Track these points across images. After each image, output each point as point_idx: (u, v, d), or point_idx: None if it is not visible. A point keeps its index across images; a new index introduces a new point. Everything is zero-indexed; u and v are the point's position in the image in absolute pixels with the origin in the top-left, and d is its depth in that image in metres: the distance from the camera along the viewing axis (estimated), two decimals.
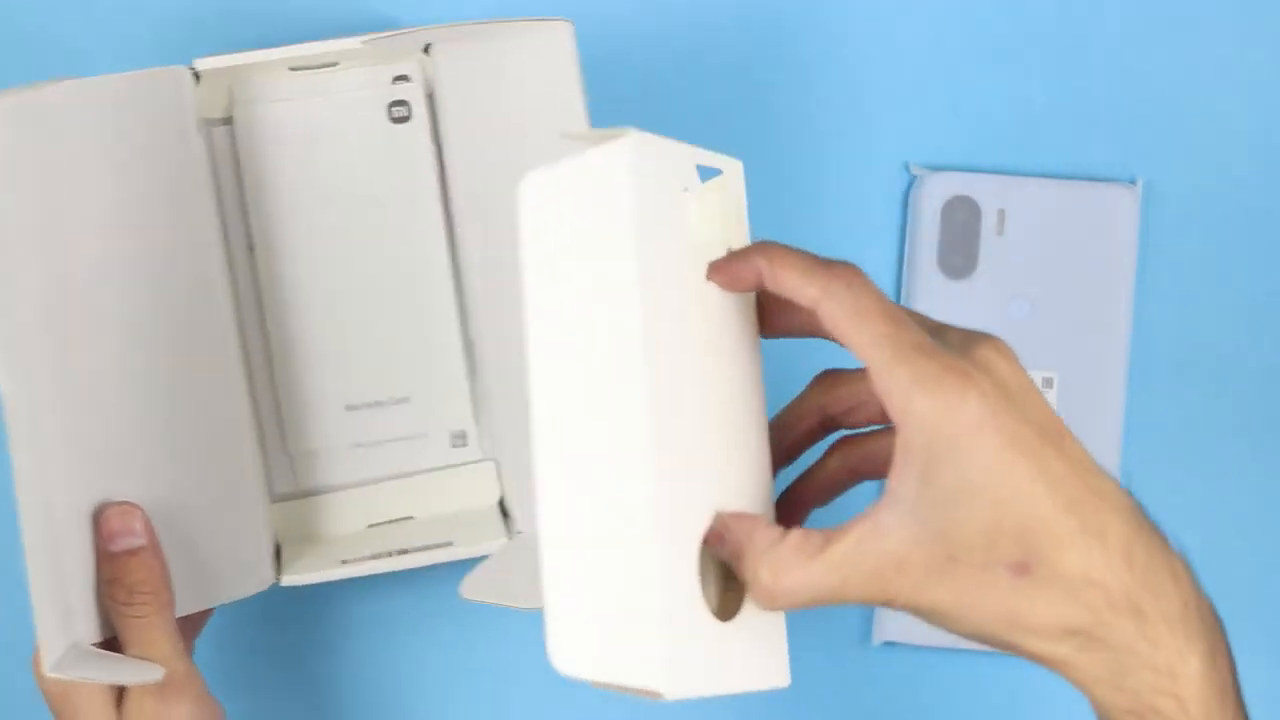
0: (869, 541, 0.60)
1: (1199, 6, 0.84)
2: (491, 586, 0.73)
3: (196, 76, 0.76)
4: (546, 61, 0.74)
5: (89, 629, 0.70)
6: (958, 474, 0.59)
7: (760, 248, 0.63)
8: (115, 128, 0.73)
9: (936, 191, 0.84)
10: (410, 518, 0.81)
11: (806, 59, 0.83)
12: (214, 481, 0.75)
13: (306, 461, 0.80)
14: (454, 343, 0.81)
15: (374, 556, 0.77)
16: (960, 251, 0.83)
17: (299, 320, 0.80)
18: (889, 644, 0.83)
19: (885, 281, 0.84)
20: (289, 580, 0.76)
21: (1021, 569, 0.59)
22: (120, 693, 0.70)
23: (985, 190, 0.84)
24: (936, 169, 0.84)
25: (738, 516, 0.62)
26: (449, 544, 0.78)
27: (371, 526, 0.81)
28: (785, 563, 0.60)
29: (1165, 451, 0.83)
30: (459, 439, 0.81)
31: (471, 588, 0.74)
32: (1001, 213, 0.83)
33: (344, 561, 0.77)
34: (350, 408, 0.80)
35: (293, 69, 0.78)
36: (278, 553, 0.79)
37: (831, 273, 0.61)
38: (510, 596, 0.72)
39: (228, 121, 0.78)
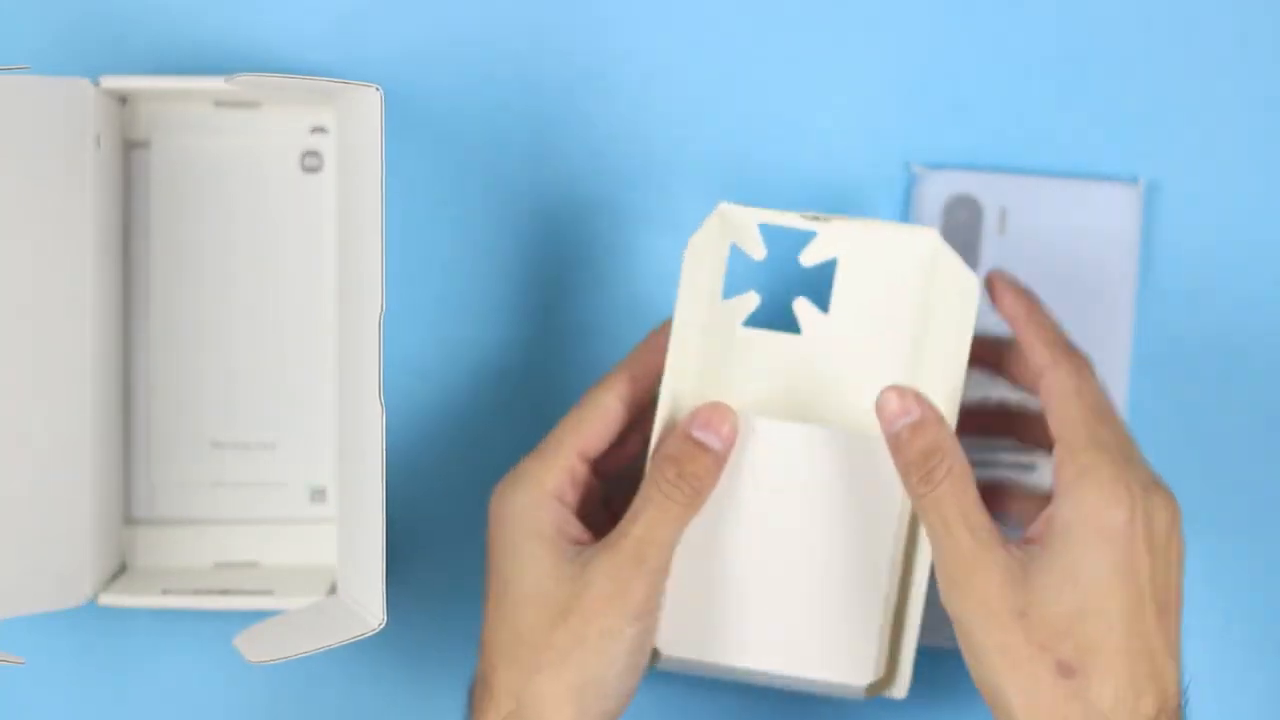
0: (991, 536, 0.66)
1: (1200, 5, 0.83)
2: (261, 641, 0.72)
3: (119, 95, 0.78)
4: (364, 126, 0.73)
5: None
6: (1073, 562, 0.64)
7: (1028, 305, 0.72)
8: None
9: (938, 190, 0.82)
10: (256, 563, 0.81)
11: (807, 57, 0.82)
12: (43, 494, 0.75)
13: (167, 491, 0.81)
14: (327, 398, 0.81)
15: (195, 592, 0.77)
16: (962, 250, 0.82)
17: (180, 351, 0.80)
18: None
19: None
20: (106, 601, 0.77)
21: (1067, 670, 0.64)
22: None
23: (987, 189, 0.82)
24: (938, 167, 0.82)
25: None
26: (269, 593, 0.77)
27: (218, 565, 0.81)
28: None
29: (1167, 451, 0.81)
30: (318, 495, 0.81)
31: (243, 639, 0.73)
32: (1003, 211, 0.82)
33: (165, 591, 0.77)
34: (216, 445, 0.81)
35: (217, 103, 0.80)
36: (122, 572, 0.80)
37: (1069, 353, 0.69)
38: (266, 651, 0.71)
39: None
